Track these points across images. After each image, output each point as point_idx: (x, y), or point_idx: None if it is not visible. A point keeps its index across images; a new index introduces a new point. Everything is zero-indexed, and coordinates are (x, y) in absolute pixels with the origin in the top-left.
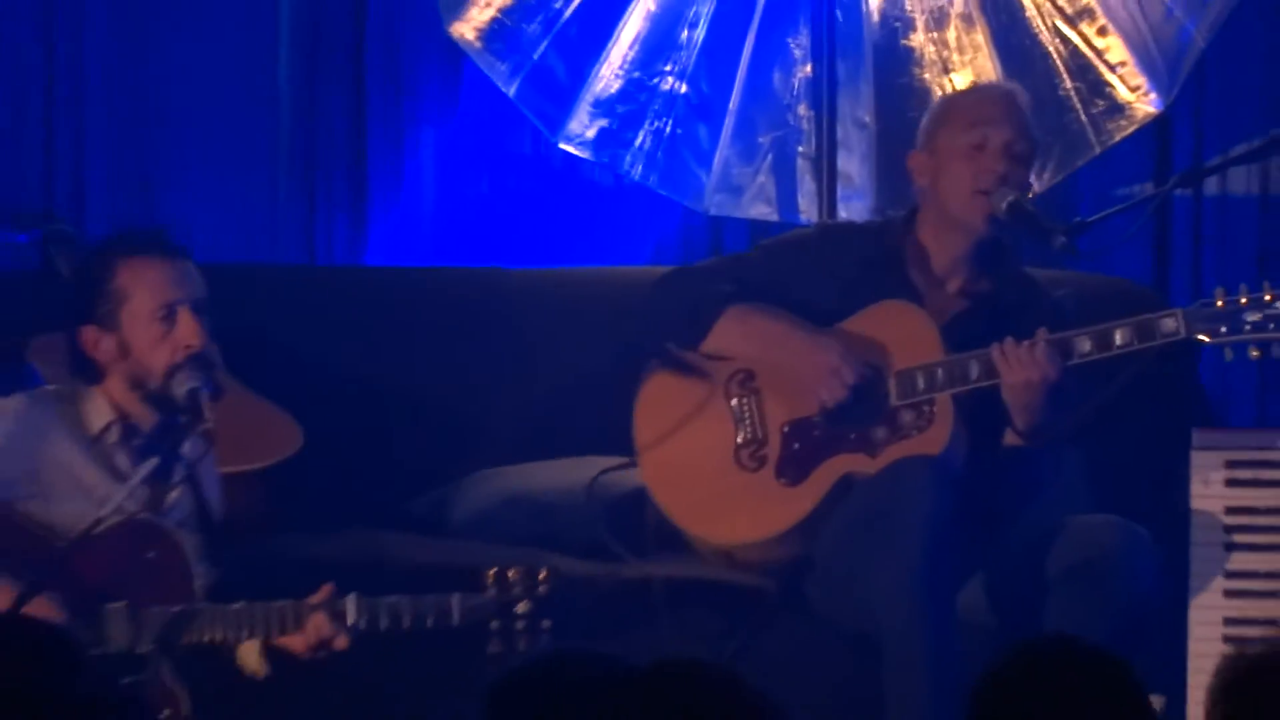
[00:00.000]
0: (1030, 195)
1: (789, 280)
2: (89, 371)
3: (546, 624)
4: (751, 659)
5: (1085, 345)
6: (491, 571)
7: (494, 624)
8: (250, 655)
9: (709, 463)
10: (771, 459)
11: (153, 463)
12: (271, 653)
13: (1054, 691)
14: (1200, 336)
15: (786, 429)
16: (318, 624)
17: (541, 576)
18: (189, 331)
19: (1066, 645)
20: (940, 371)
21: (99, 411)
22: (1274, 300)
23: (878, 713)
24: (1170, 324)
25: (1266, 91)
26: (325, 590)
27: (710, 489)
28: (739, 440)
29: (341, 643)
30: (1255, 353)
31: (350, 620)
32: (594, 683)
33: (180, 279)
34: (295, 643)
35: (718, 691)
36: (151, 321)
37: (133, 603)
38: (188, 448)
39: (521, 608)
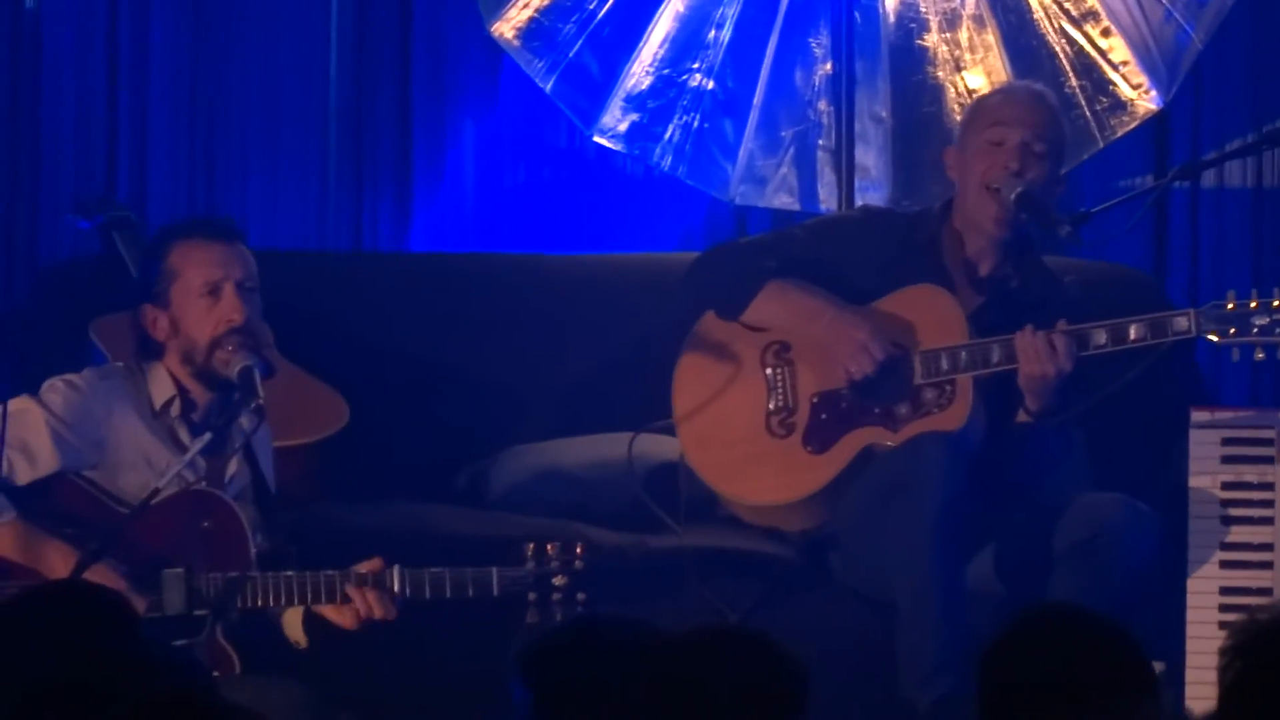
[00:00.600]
0: (1055, 188)
1: (829, 259)
2: (150, 348)
3: (582, 596)
4: (776, 623)
5: (1101, 338)
6: (530, 545)
7: (532, 595)
8: (294, 626)
9: (741, 426)
10: (800, 427)
11: (207, 437)
12: (313, 625)
13: (1059, 656)
14: (1210, 336)
15: (815, 399)
16: (369, 599)
17: (578, 551)
18: (231, 306)
19: (1071, 612)
20: (964, 354)
21: (161, 386)
22: None
23: (893, 674)
24: (1183, 323)
25: (1259, 90)
26: (375, 563)
27: (740, 451)
28: (770, 407)
29: (390, 615)
30: (1260, 355)
31: (395, 590)
32: (625, 646)
33: (227, 259)
34: (344, 617)
35: (750, 653)
36: (197, 297)
37: (190, 569)
38: (242, 423)
39: (558, 580)
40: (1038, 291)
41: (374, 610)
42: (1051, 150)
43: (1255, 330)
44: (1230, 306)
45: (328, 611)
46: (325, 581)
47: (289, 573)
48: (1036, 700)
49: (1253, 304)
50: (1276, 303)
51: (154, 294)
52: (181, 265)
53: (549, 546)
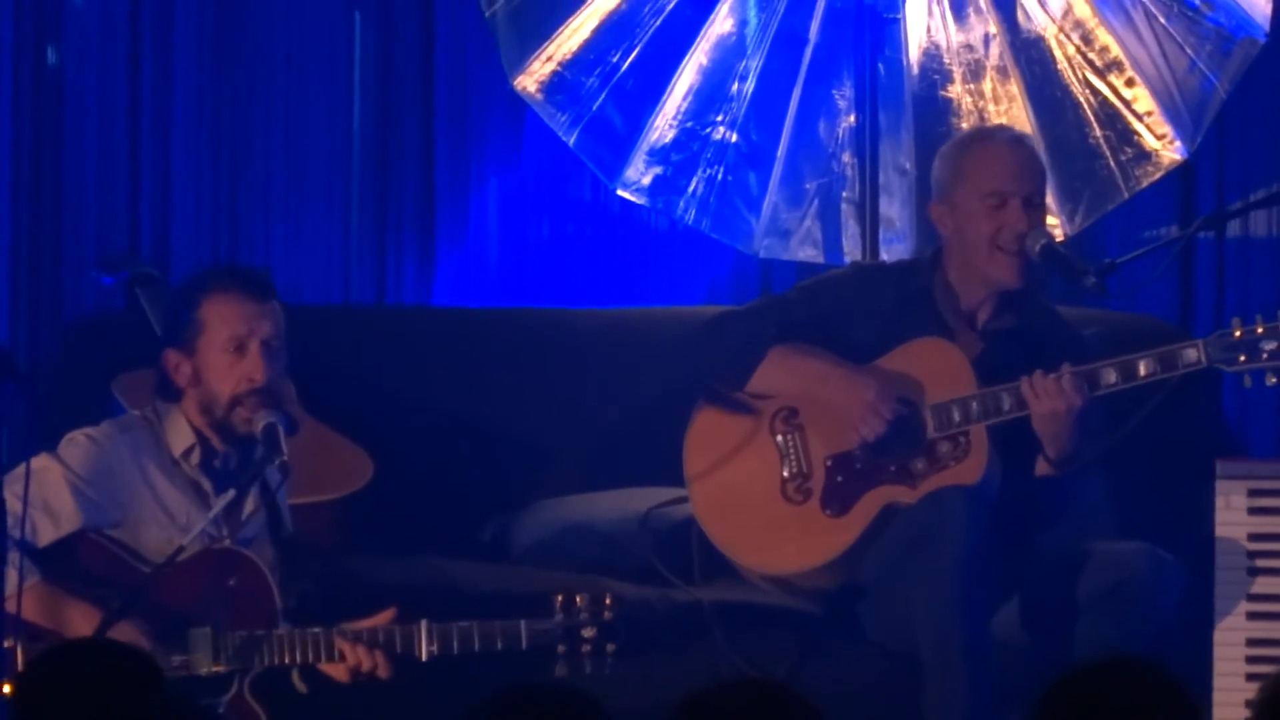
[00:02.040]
0: (1061, 237)
1: (828, 319)
2: (170, 392)
3: (611, 648)
4: (803, 679)
5: (1111, 376)
6: (559, 597)
7: (561, 648)
8: (294, 673)
9: (757, 496)
10: (816, 491)
11: (230, 495)
12: (307, 672)
13: (1115, 707)
14: (1219, 365)
15: (830, 462)
16: (359, 654)
17: (607, 602)
18: (254, 366)
19: (1129, 664)
20: (974, 404)
21: (181, 433)
22: None
23: None
24: (1191, 354)
25: None
26: (386, 615)
27: (759, 521)
28: (785, 474)
29: (383, 671)
30: (1273, 379)
31: (423, 643)
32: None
33: (256, 316)
34: (338, 670)
35: (778, 708)
36: (222, 352)
37: (216, 627)
38: (267, 478)
39: (588, 632)
40: (1041, 333)
41: (364, 664)
42: (1043, 195)
43: (1265, 355)
44: (1238, 334)
45: (323, 665)
46: (345, 634)
47: (315, 629)
48: None
49: (1259, 329)
50: None
51: (180, 340)
52: (209, 317)
53: (578, 599)
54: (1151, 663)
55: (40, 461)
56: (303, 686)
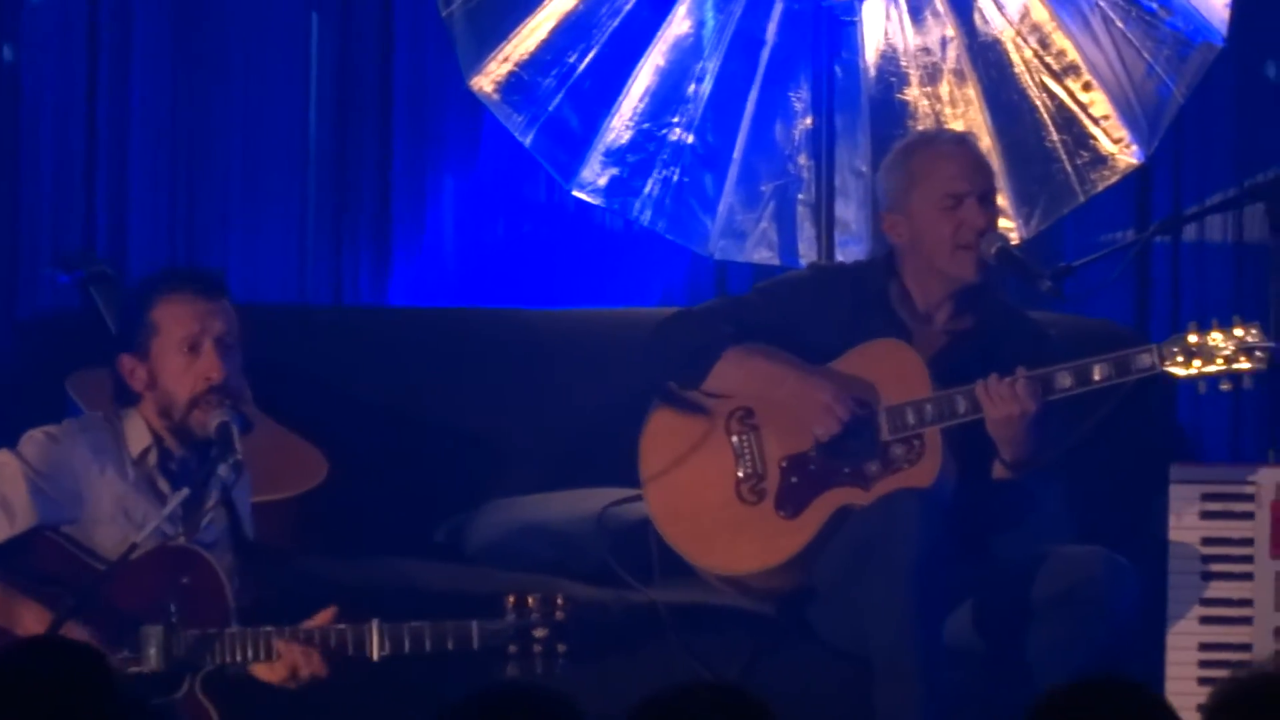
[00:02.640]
0: (1017, 240)
1: (784, 320)
2: (127, 396)
3: (563, 648)
4: (757, 680)
5: (1066, 380)
6: (511, 597)
7: (512, 648)
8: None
9: (712, 496)
10: (771, 492)
11: (184, 493)
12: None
13: None
14: (1174, 370)
15: (784, 464)
16: (294, 653)
17: (559, 603)
18: (210, 365)
19: (1119, 684)
20: (929, 407)
21: (138, 436)
22: (1244, 334)
23: None
24: (1146, 359)
25: (1240, 145)
26: (328, 613)
27: (713, 522)
28: (740, 475)
29: (320, 671)
30: (1226, 385)
31: (374, 643)
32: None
33: (208, 315)
34: (274, 673)
35: (734, 711)
36: (177, 353)
37: (169, 625)
38: (221, 477)
39: (539, 633)
40: (999, 333)
41: (300, 666)
42: (994, 192)
43: (1219, 361)
44: (1193, 339)
45: (258, 669)
46: (297, 635)
47: (268, 628)
48: None
49: (1214, 334)
50: (1239, 329)
51: (134, 344)
52: (162, 320)
53: (530, 599)
54: (1139, 685)
55: None
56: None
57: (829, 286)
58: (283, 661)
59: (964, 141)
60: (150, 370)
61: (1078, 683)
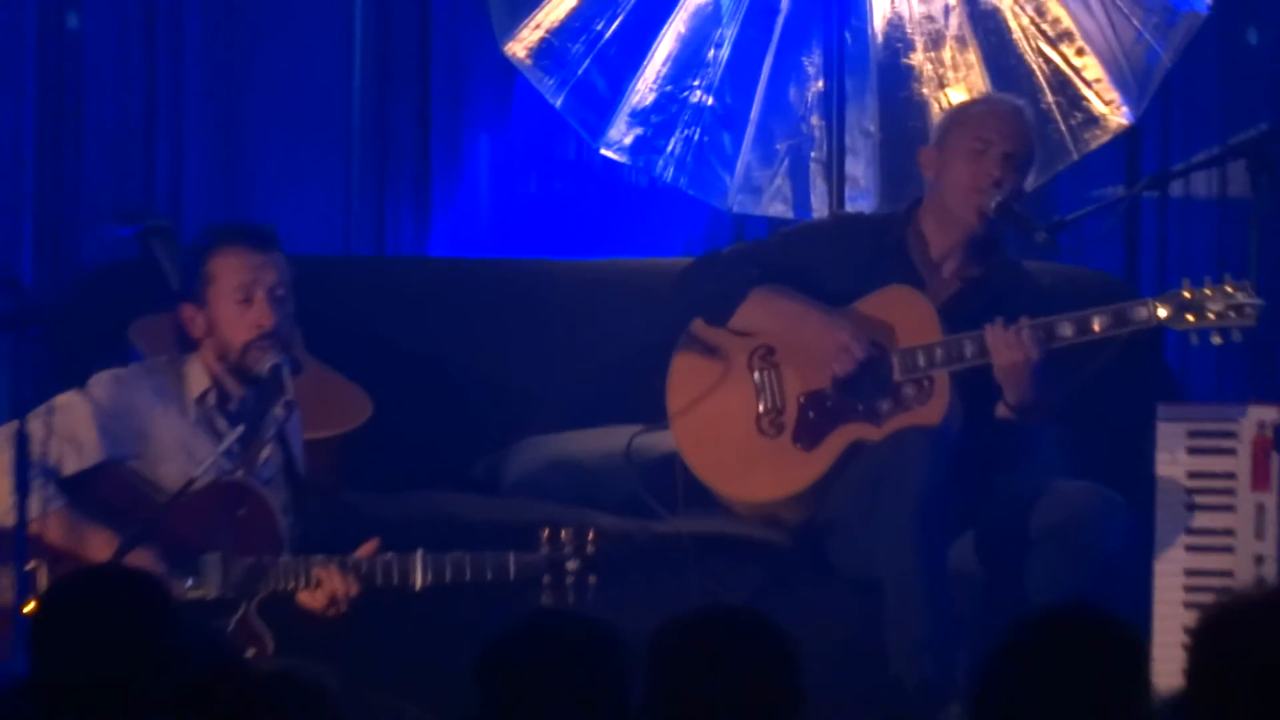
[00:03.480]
0: (1021, 197)
1: (807, 264)
2: (188, 342)
3: (593, 579)
4: (772, 607)
5: (1067, 330)
6: (545, 531)
7: (546, 579)
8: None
9: (734, 429)
10: (789, 426)
11: (239, 430)
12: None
13: (1059, 660)
14: (1169, 323)
15: (803, 399)
16: (333, 579)
17: (590, 537)
18: (261, 313)
19: (1081, 611)
20: (939, 350)
21: (198, 379)
22: (1234, 291)
23: (881, 652)
24: (1142, 312)
25: (1225, 105)
26: (372, 544)
27: (735, 452)
28: (760, 409)
29: (353, 590)
30: (1217, 339)
31: (418, 573)
32: (582, 644)
33: (261, 266)
34: (315, 599)
35: (752, 633)
36: (231, 301)
37: (225, 554)
38: (274, 416)
39: (571, 565)
40: (1005, 284)
41: (338, 590)
42: (1024, 163)
43: (1211, 315)
44: (1187, 294)
45: (302, 596)
46: (345, 564)
47: (318, 557)
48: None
49: (1207, 290)
50: (1229, 287)
51: (193, 294)
52: (218, 271)
53: (563, 533)
54: (1102, 610)
55: (68, 397)
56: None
57: (849, 235)
58: (323, 589)
59: (1019, 110)
60: (208, 317)
61: (1046, 610)
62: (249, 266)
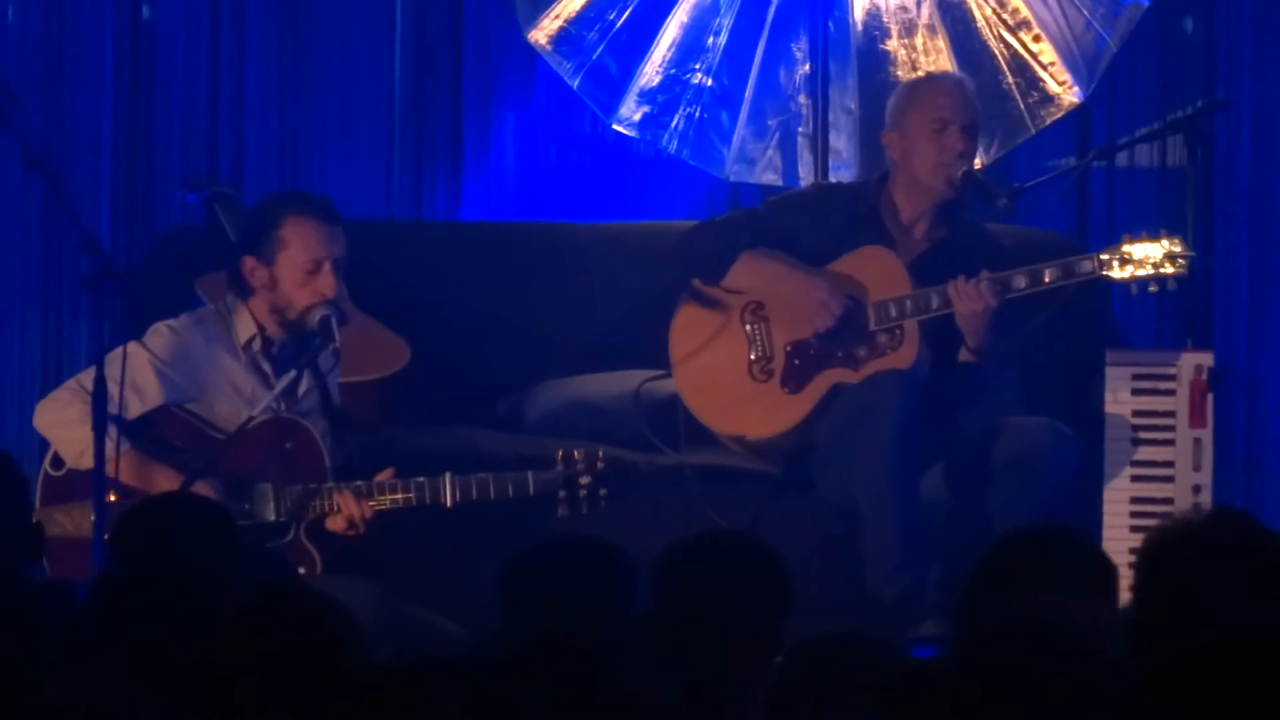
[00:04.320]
0: (979, 165)
1: (790, 229)
2: (243, 290)
3: (604, 493)
4: (762, 528)
5: (1021, 281)
6: (560, 452)
7: (561, 494)
8: None
9: (728, 375)
10: (778, 372)
11: (291, 375)
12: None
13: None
14: (1110, 274)
15: (789, 348)
16: (347, 505)
17: (600, 456)
18: (327, 284)
19: (1061, 532)
20: (908, 302)
21: (245, 325)
22: (1169, 245)
23: (859, 569)
24: (1088, 265)
25: (1163, 86)
26: (387, 472)
27: (730, 395)
28: (752, 357)
29: (367, 513)
30: (1154, 287)
31: (447, 492)
32: (599, 561)
33: (330, 239)
34: (336, 523)
35: (746, 553)
36: (301, 269)
37: (276, 483)
38: (323, 360)
39: (584, 480)
40: (966, 243)
41: (354, 513)
42: (976, 128)
43: (1149, 267)
44: (1126, 248)
45: (328, 522)
46: (377, 488)
47: (358, 482)
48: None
49: (1144, 243)
50: (1164, 241)
51: (259, 250)
52: (290, 237)
53: (576, 453)
54: (1078, 532)
55: (129, 348)
56: None
57: (828, 201)
58: (341, 514)
59: (960, 81)
60: (273, 275)
61: (1026, 530)
62: (321, 239)
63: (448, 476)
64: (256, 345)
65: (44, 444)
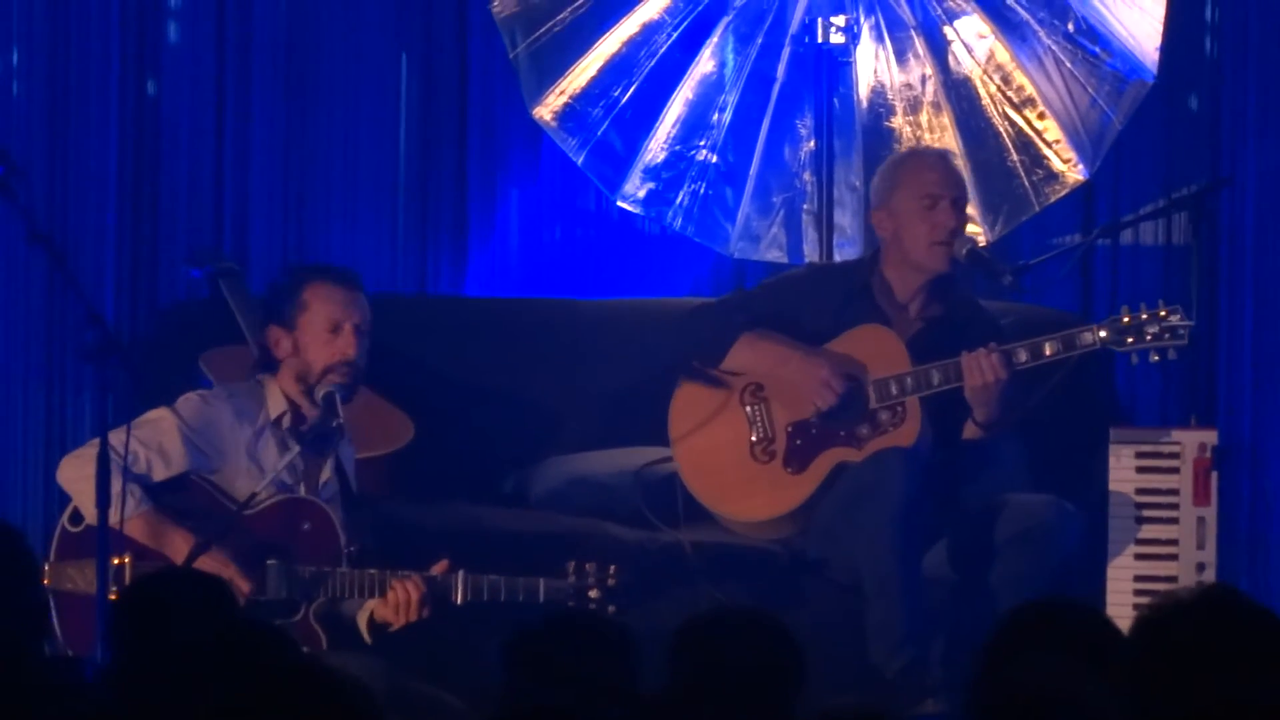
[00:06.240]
0: (984, 243)
1: (787, 310)
2: (269, 365)
3: (612, 609)
4: (765, 606)
5: (1022, 355)
6: (572, 564)
7: (570, 604)
8: (361, 622)
9: (730, 456)
10: (780, 452)
11: (295, 451)
12: (374, 627)
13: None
14: (1111, 346)
15: (790, 429)
16: (406, 589)
17: (611, 571)
18: (347, 344)
19: (1053, 605)
20: (909, 379)
21: (276, 401)
22: (1168, 316)
23: (863, 644)
24: (1088, 336)
25: (1168, 164)
26: (442, 565)
27: (732, 477)
28: (753, 438)
29: (423, 612)
30: (1155, 357)
31: (459, 591)
32: (603, 634)
33: (351, 303)
34: (388, 612)
35: (760, 629)
36: (322, 330)
37: (289, 562)
38: (327, 439)
39: (594, 594)
40: (963, 319)
41: (411, 595)
42: (965, 200)
43: (1149, 337)
44: (1126, 320)
45: (377, 608)
46: (400, 578)
47: (372, 570)
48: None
49: (1143, 315)
50: (1163, 313)
51: (283, 318)
52: (312, 300)
53: (588, 566)
54: (1089, 605)
55: (159, 413)
56: (368, 638)
57: (823, 281)
58: (389, 603)
59: (943, 156)
60: (295, 340)
61: (1036, 601)
62: (342, 301)
63: (460, 575)
64: (286, 422)
65: (50, 506)
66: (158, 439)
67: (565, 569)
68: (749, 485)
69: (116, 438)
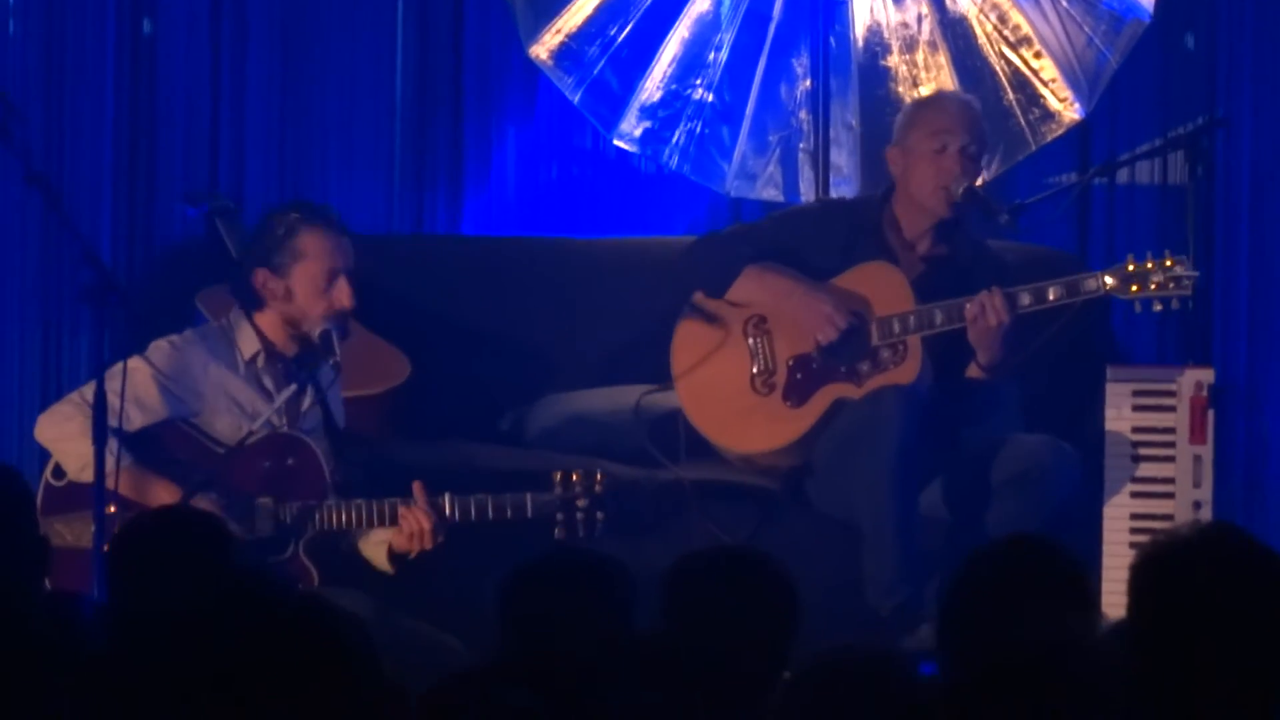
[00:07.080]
0: (980, 182)
1: (794, 243)
2: (251, 303)
3: (600, 516)
4: (762, 543)
5: (1026, 299)
6: (558, 474)
7: (559, 516)
8: (380, 559)
9: (731, 388)
10: (779, 386)
11: (292, 389)
12: (395, 556)
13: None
14: (1115, 293)
15: (791, 362)
16: (418, 516)
17: (598, 478)
18: (343, 294)
19: (1032, 543)
20: (911, 318)
21: (248, 340)
22: (1172, 265)
23: (858, 583)
24: (1093, 283)
25: (1164, 103)
26: (416, 487)
27: (732, 409)
28: (754, 371)
29: (435, 538)
30: (1158, 306)
31: (446, 512)
32: (598, 576)
33: (344, 251)
34: (400, 539)
35: (756, 569)
36: (318, 280)
37: (277, 499)
38: (324, 375)
39: (581, 503)
40: (968, 260)
41: (423, 523)
42: (979, 150)
43: (1152, 286)
44: (1130, 268)
45: (394, 538)
46: (387, 507)
47: (358, 500)
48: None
49: (1148, 264)
50: (1168, 262)
51: (273, 262)
52: (307, 248)
53: (574, 475)
54: (1051, 542)
55: (132, 363)
56: (390, 568)
57: (831, 217)
58: (403, 531)
59: (967, 103)
60: (288, 287)
61: (1000, 542)
62: (336, 250)
63: (447, 496)
64: (260, 360)
65: (44, 454)
66: (132, 390)
67: (551, 479)
68: (748, 417)
69: (93, 391)
